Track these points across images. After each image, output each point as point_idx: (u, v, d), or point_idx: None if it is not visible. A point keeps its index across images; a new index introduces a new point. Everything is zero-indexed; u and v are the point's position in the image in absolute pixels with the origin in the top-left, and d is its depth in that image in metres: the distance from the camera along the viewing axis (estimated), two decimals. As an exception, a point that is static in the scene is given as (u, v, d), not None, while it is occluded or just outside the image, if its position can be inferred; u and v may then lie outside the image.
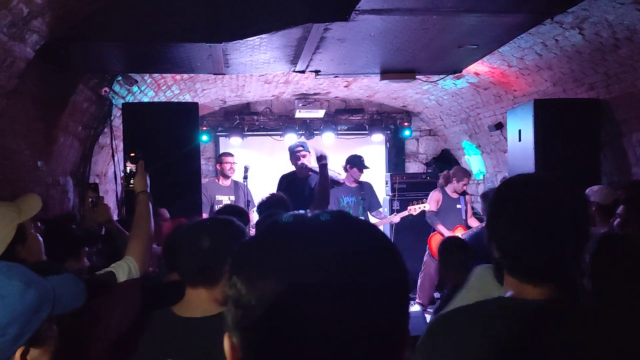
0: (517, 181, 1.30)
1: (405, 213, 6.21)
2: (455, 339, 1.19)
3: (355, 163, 6.27)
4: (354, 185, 6.33)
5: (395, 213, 6.59)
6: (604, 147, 5.03)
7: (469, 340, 1.16)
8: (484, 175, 7.42)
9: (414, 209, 6.12)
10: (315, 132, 8.26)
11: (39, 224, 2.60)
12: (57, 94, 4.38)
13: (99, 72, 4.77)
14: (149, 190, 2.42)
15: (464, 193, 6.55)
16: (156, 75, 5.49)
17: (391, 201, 7.46)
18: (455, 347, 1.17)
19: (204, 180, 6.31)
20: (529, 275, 1.20)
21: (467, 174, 6.64)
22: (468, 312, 1.24)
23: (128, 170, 2.49)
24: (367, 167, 6.36)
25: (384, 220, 6.36)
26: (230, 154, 6.40)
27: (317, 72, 5.35)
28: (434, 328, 1.26)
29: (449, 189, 6.47)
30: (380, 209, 6.54)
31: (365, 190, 6.32)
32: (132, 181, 2.46)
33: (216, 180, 6.40)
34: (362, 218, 6.12)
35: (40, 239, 2.32)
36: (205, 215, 5.22)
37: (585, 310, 1.21)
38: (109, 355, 1.93)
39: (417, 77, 5.51)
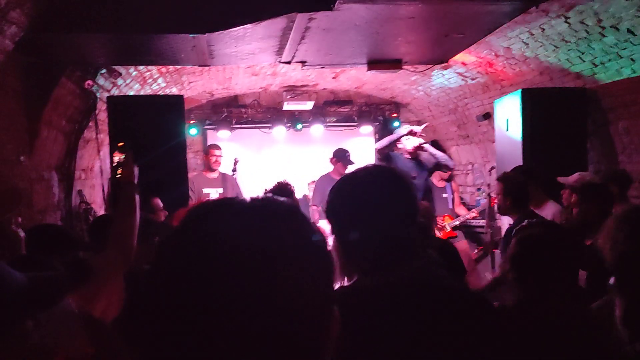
0: (346, 178, 1.40)
1: None
2: None
3: (341, 157, 6.25)
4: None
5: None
6: (591, 136, 5.04)
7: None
8: None
9: None
10: (304, 125, 8.23)
11: (19, 220, 2.56)
12: (39, 87, 4.31)
13: (82, 64, 4.70)
14: (136, 182, 2.37)
15: (450, 179, 6.58)
16: (141, 67, 5.43)
17: (380, 192, 7.45)
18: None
19: (191, 174, 6.26)
20: (360, 264, 1.27)
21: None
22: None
23: (116, 160, 2.44)
24: (353, 163, 6.34)
25: None
26: (217, 147, 6.32)
27: (303, 62, 5.31)
28: None
29: (434, 178, 6.47)
30: None
31: None
32: (119, 171, 2.42)
33: (203, 173, 6.33)
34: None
35: (22, 234, 2.28)
36: None
37: (422, 288, 1.27)
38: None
39: (403, 67, 5.48)
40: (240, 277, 0.58)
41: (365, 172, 1.39)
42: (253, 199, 0.67)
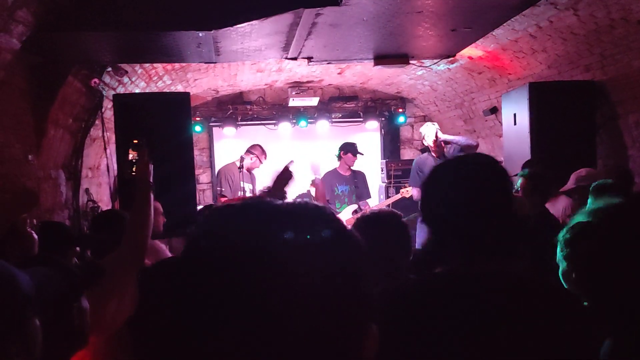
0: (445, 165, 1.39)
1: (397, 197, 6.19)
2: (416, 310, 1.25)
3: (349, 149, 6.25)
4: (347, 173, 6.30)
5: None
6: (600, 129, 5.00)
7: (428, 311, 1.23)
8: None
9: (407, 192, 6.09)
10: (309, 121, 8.21)
11: (35, 221, 2.56)
12: (46, 86, 4.30)
13: (88, 63, 4.70)
14: (151, 180, 2.34)
15: None
16: (147, 65, 5.42)
17: (387, 188, 7.44)
18: (419, 318, 1.23)
19: (223, 167, 6.28)
20: (467, 251, 1.28)
21: None
22: (422, 285, 1.33)
23: (130, 158, 2.42)
24: (361, 153, 6.33)
25: (380, 204, 6.37)
26: (266, 155, 6.34)
27: (309, 58, 5.29)
28: (394, 302, 1.31)
29: None
30: (368, 200, 6.51)
31: (358, 179, 6.30)
32: (134, 169, 2.39)
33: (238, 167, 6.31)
34: (354, 205, 6.14)
35: (35, 236, 2.28)
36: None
37: (521, 279, 1.28)
38: (107, 347, 1.90)
39: (410, 62, 5.45)
40: (260, 280, 0.57)
41: (460, 162, 1.39)
42: (281, 203, 0.66)
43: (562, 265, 1.81)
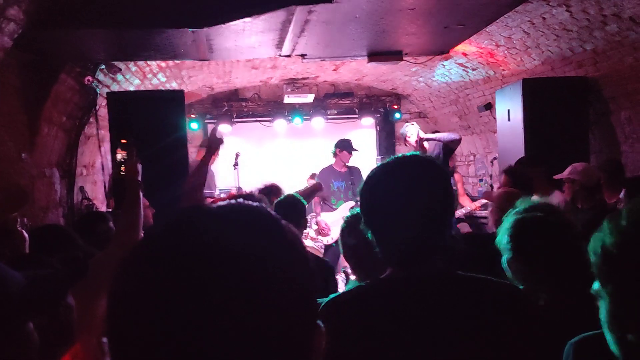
0: (381, 168, 1.35)
1: None
2: (350, 321, 1.25)
3: (344, 146, 6.25)
4: (343, 169, 6.30)
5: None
6: (593, 126, 5.02)
7: (362, 320, 1.24)
8: None
9: None
10: (305, 118, 8.21)
11: (25, 220, 2.55)
12: (39, 84, 4.30)
13: (81, 60, 4.69)
14: (140, 179, 2.36)
15: (453, 170, 6.53)
16: (141, 62, 5.41)
17: (382, 185, 7.44)
18: (352, 328, 1.23)
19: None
20: (403, 259, 1.28)
21: None
22: (354, 295, 1.34)
23: (119, 158, 2.43)
24: (356, 150, 6.34)
25: None
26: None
27: (303, 56, 5.29)
28: (326, 314, 1.30)
29: None
30: None
31: (354, 175, 6.30)
32: (122, 169, 2.40)
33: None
34: (351, 202, 6.14)
35: (26, 235, 2.28)
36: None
37: (456, 280, 1.28)
38: (100, 347, 1.90)
39: (404, 58, 5.45)
40: (203, 283, 0.57)
41: (399, 165, 1.35)
42: (220, 205, 0.66)
43: (506, 255, 1.78)
